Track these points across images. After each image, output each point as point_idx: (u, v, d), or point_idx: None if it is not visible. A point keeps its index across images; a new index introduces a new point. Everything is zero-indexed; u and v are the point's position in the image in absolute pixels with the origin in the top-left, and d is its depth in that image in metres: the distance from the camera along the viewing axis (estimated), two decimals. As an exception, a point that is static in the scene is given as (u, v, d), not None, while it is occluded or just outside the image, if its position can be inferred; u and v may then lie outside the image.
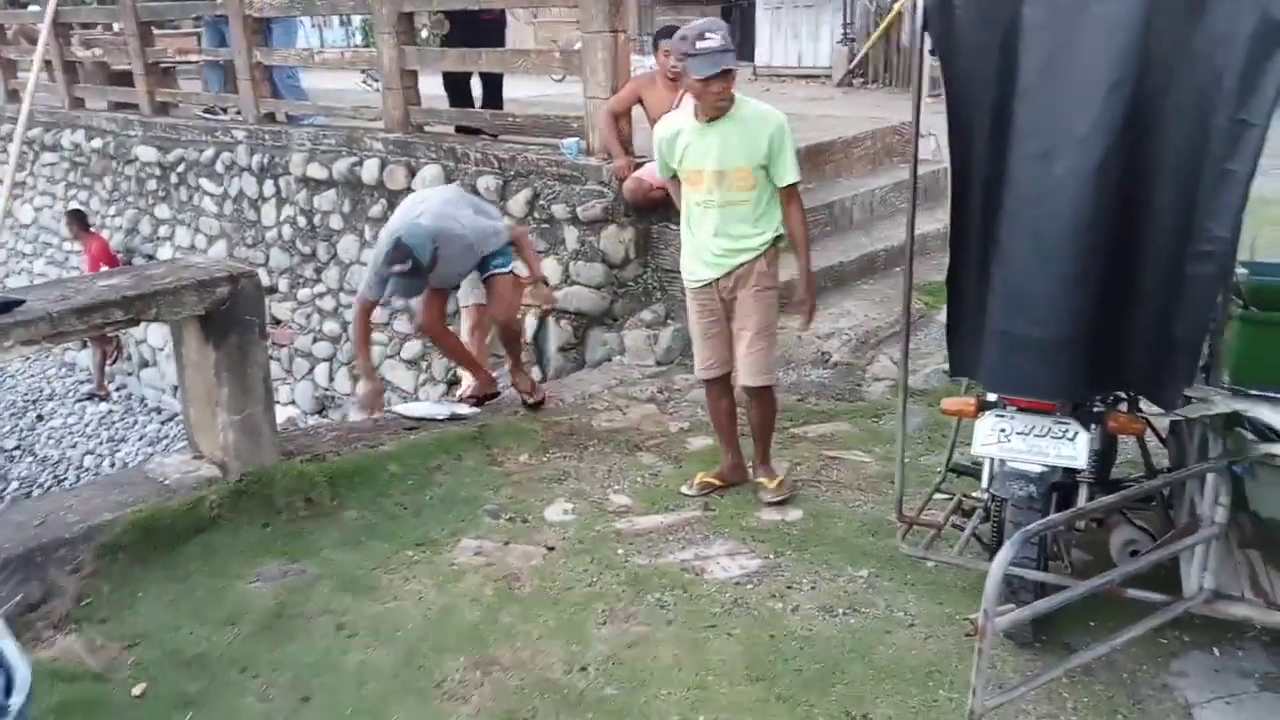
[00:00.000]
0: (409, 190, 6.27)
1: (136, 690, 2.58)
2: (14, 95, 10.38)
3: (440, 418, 4.35)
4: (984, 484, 2.58)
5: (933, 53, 2.22)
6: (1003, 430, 2.39)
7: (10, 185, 9.95)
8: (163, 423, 8.29)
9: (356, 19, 18.86)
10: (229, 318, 3.41)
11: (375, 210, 6.52)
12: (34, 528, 3.24)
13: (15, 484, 7.69)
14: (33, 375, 9.47)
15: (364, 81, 13.11)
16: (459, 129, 6.55)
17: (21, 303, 3.11)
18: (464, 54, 6.28)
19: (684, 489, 3.62)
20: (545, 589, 3.05)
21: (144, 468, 3.69)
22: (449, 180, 6.07)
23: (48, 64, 9.59)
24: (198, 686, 2.61)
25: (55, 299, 3.15)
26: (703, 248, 3.40)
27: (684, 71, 3.24)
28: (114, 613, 2.98)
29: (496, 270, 4.24)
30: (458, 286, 4.65)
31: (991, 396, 2.48)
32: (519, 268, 4.46)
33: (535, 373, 5.31)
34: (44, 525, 3.26)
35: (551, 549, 3.28)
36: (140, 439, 8.05)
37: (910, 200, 2.67)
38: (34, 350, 3.15)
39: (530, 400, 4.45)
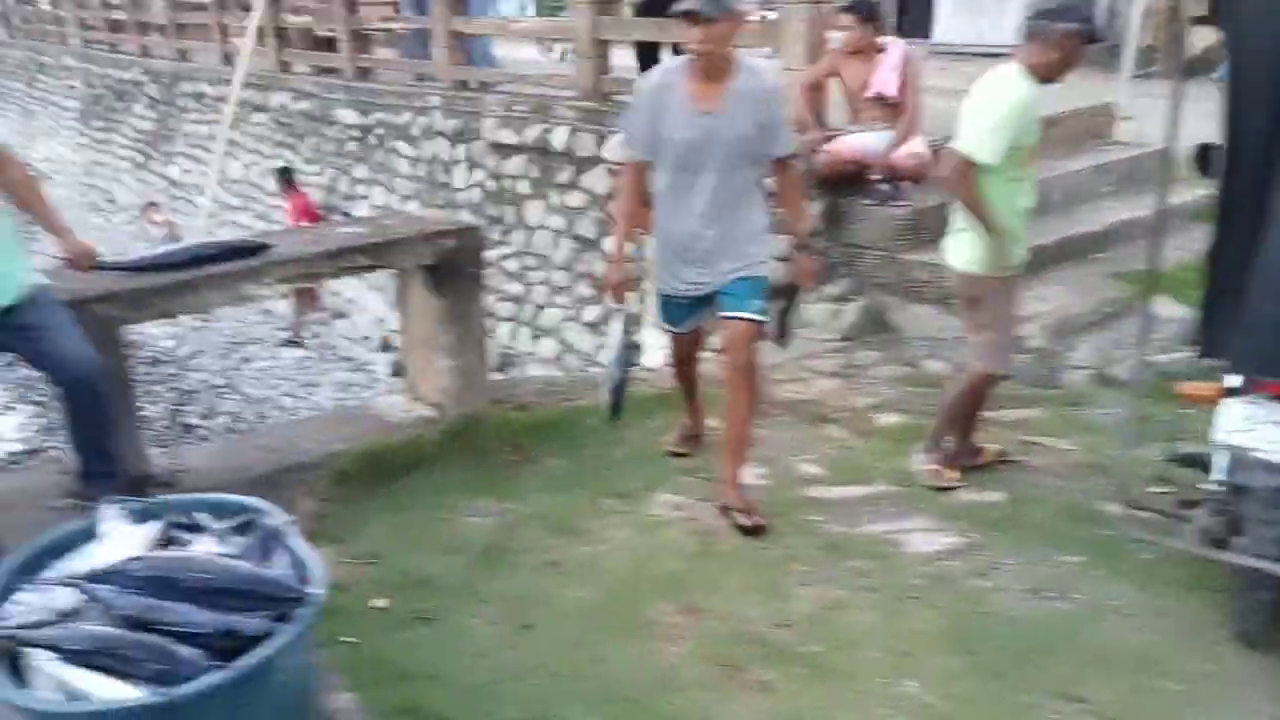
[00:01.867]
0: (597, 158, 6.46)
1: (381, 602, 2.82)
2: (228, 59, 11.22)
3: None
4: (1219, 474, 2.49)
5: (1210, 22, 2.14)
6: (1252, 418, 2.29)
7: (225, 143, 10.79)
8: (351, 370, 8.86)
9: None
10: (454, 269, 3.64)
11: (563, 177, 6.74)
12: (279, 453, 3.58)
13: (224, 418, 8.40)
14: (238, 320, 10.26)
15: (540, 52, 13.44)
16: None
17: (270, 247, 3.41)
18: (658, 24, 6.38)
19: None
20: (742, 547, 3.14)
21: (368, 406, 3.99)
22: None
23: (260, 30, 10.32)
24: (430, 605, 2.84)
25: (306, 243, 3.44)
26: (1019, 229, 3.18)
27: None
28: (348, 533, 3.25)
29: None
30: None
31: (1236, 382, 2.38)
32: None
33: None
34: (286, 452, 3.59)
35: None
36: (333, 385, 8.63)
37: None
38: (286, 289, 3.45)
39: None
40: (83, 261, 2.99)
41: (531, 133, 6.90)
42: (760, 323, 3.21)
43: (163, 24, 12.88)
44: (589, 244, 6.64)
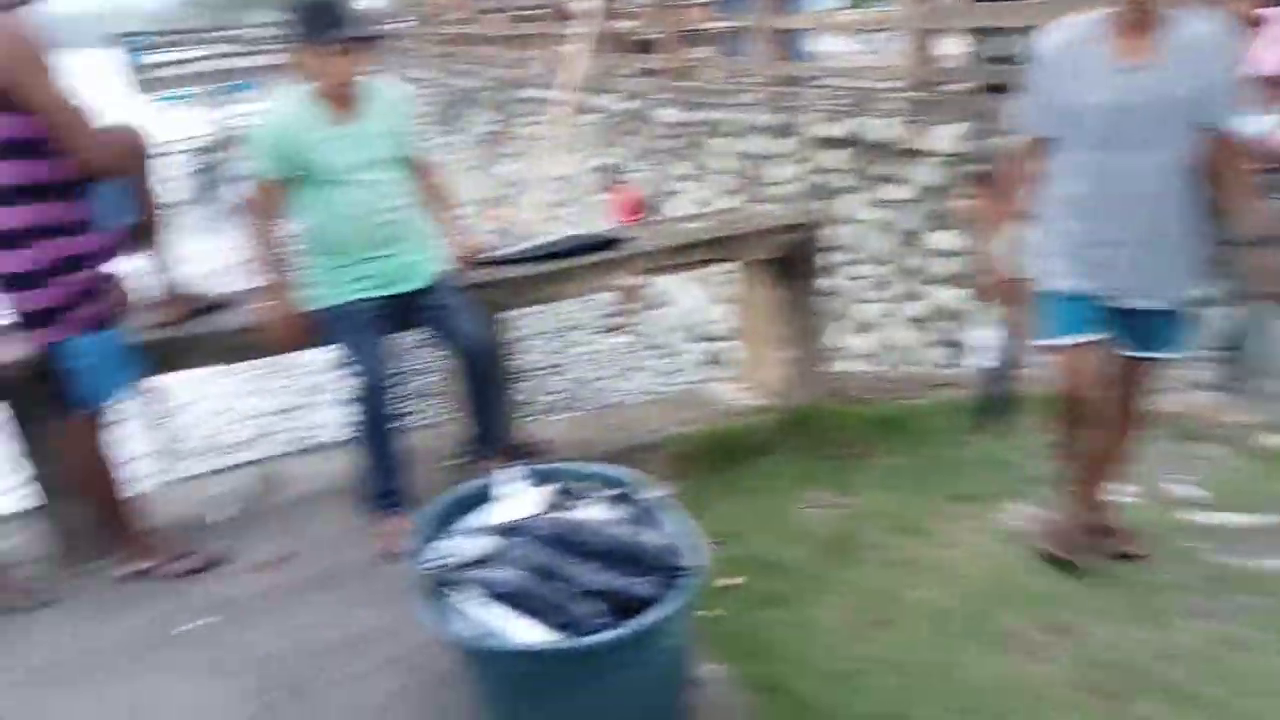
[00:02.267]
0: (922, 150, 6.24)
1: (735, 580, 2.92)
2: (561, 65, 12.06)
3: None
4: None
5: None
6: None
7: (556, 143, 11.62)
8: (668, 357, 9.25)
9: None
10: (795, 262, 3.67)
11: (885, 170, 6.58)
12: (623, 431, 3.80)
13: (551, 396, 9.09)
14: (564, 305, 11.04)
15: (860, 43, 13.17)
16: (989, 87, 6.34)
17: (622, 241, 3.60)
18: (995, 9, 6.05)
19: None
20: (1112, 568, 2.90)
21: (702, 392, 4.13)
22: (972, 138, 5.93)
23: (589, 36, 11.01)
24: (781, 589, 2.89)
25: (655, 237, 3.62)
26: None
27: None
28: (693, 513, 3.37)
29: None
30: None
31: None
32: None
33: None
34: (629, 431, 3.81)
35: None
36: (650, 371, 9.07)
37: None
38: (640, 280, 3.66)
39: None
40: (471, 255, 3.35)
41: (853, 126, 6.80)
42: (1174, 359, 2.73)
43: (504, 34, 14.12)
44: (911, 238, 6.45)
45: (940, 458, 3.67)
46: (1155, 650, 2.51)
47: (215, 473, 3.87)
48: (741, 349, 4.15)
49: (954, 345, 6.01)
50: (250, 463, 3.83)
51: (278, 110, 2.89)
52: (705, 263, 3.75)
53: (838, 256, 7.11)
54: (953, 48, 6.91)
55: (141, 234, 2.89)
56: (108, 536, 2.86)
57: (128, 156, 2.74)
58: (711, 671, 2.31)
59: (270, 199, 2.85)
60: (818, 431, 3.77)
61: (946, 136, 6.05)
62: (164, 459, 8.43)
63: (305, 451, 3.93)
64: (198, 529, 3.11)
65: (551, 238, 3.65)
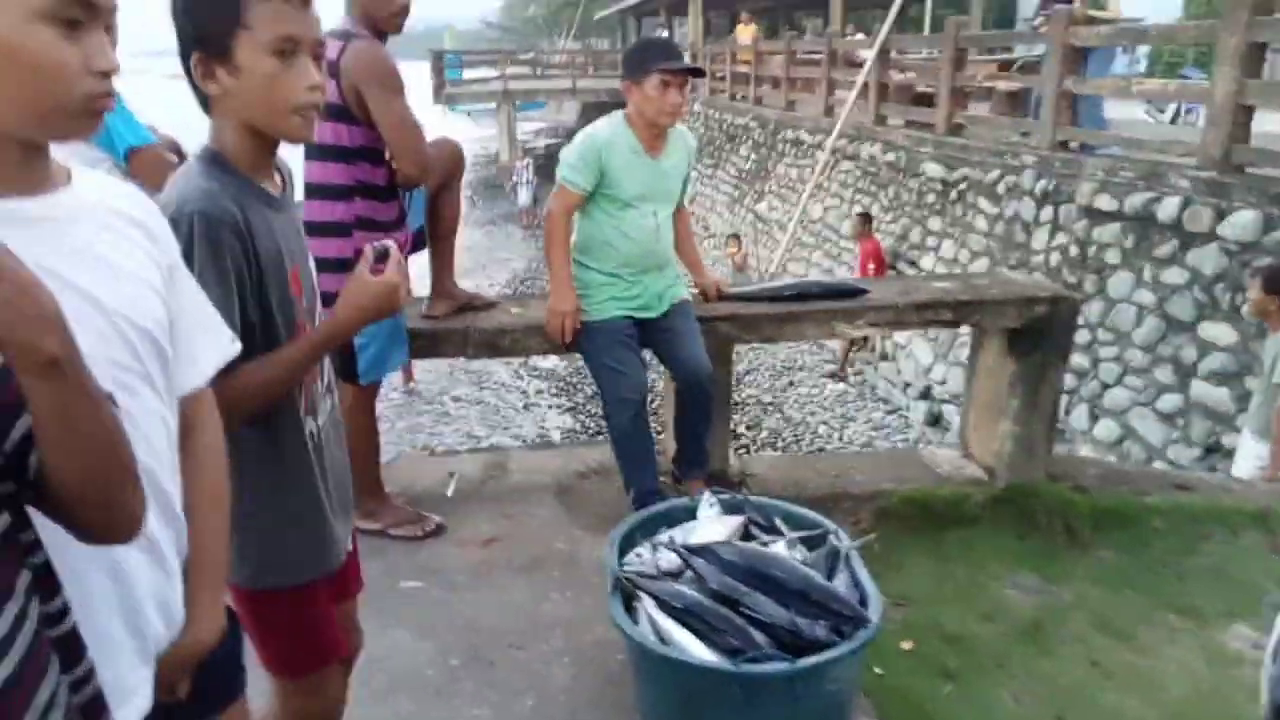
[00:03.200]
0: (1211, 234, 5.79)
1: (906, 645, 2.90)
2: (829, 110, 12.16)
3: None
4: None
5: None
6: None
7: (812, 187, 11.71)
8: (887, 413, 9.05)
9: (1142, 48, 17.90)
10: (1038, 335, 3.56)
11: (1163, 250, 6.16)
12: (831, 478, 3.83)
13: (765, 432, 9.16)
14: (791, 347, 11.10)
15: (1146, 112, 12.35)
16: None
17: (866, 292, 3.64)
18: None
19: None
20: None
21: (918, 453, 4.08)
22: (1268, 232, 5.43)
23: (865, 85, 11.01)
24: (957, 664, 2.83)
25: (898, 292, 3.63)
26: None
27: None
28: (884, 570, 3.32)
29: None
30: None
31: None
32: None
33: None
34: (838, 478, 3.83)
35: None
36: (866, 423, 8.92)
37: None
38: (874, 331, 3.67)
39: None
40: (712, 291, 3.52)
41: (1135, 200, 6.41)
42: None
43: (776, 76, 14.39)
44: (1180, 326, 5.98)
45: (1165, 562, 3.43)
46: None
47: (451, 453, 4.28)
48: (966, 415, 4.07)
49: (1208, 449, 5.52)
50: (483, 449, 4.21)
51: (602, 129, 3.14)
52: (947, 324, 3.71)
53: (1093, 335, 6.72)
54: (1272, 125, 6.36)
55: (437, 236, 3.29)
56: (356, 494, 3.27)
57: (450, 167, 3.15)
58: (870, 726, 2.32)
59: (573, 206, 3.12)
60: (1033, 513, 3.62)
61: (1240, 223, 5.59)
62: (413, 433, 9.32)
63: (531, 447, 4.26)
64: (430, 499, 3.48)
65: (795, 280, 3.76)
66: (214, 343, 1.28)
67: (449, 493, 3.56)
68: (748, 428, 9.69)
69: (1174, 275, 6.08)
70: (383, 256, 1.61)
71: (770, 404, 10.00)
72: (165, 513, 1.15)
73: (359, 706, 2.39)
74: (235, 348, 1.32)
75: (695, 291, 3.53)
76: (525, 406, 10.17)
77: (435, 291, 3.40)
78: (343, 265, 2.89)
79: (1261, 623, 3.06)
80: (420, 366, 10.56)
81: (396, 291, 1.59)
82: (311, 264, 1.65)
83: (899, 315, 3.50)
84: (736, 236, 13.25)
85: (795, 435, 9.23)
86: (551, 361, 11.00)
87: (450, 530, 3.25)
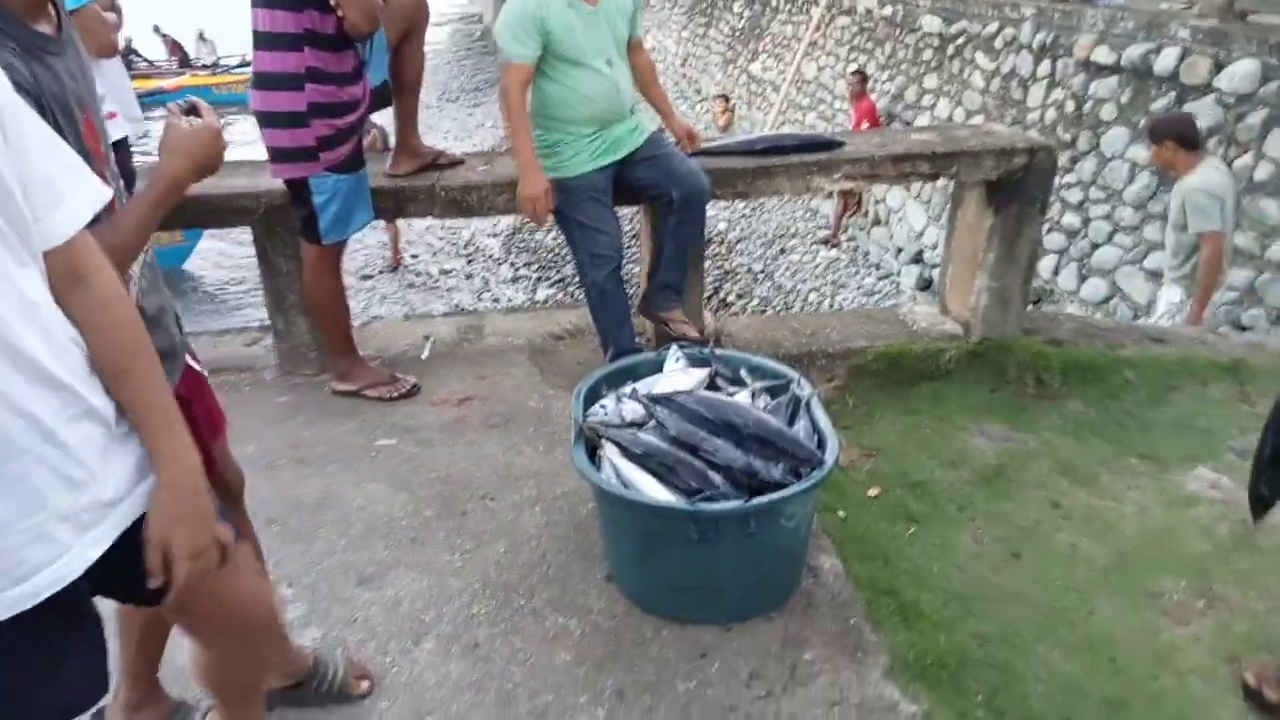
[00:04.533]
0: (1208, 86, 5.63)
1: (872, 492, 2.97)
2: (826, -37, 11.62)
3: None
4: None
5: None
6: None
7: (807, 45, 11.32)
8: (879, 278, 9.03)
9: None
10: (1016, 187, 3.50)
11: (1159, 104, 6.00)
12: (806, 336, 3.84)
13: (756, 301, 9.16)
14: (784, 213, 10.97)
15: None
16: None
17: (842, 144, 3.57)
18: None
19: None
20: (1288, 549, 2.71)
21: (895, 310, 4.08)
22: (1265, 83, 5.28)
23: (862, -66, 10.49)
24: (920, 508, 2.91)
25: (875, 144, 3.56)
26: None
27: None
28: (855, 424, 3.42)
29: None
30: None
31: None
32: None
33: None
34: (813, 337, 3.84)
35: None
36: (858, 289, 8.90)
37: None
38: (850, 185, 3.60)
39: None
40: (684, 140, 3.44)
41: (1133, 53, 6.22)
42: None
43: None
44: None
45: (1133, 413, 3.49)
46: (1314, 641, 2.35)
47: (427, 316, 4.28)
48: (945, 272, 4.05)
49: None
50: (455, 312, 4.20)
51: None
52: (926, 176, 3.64)
53: (1085, 194, 6.62)
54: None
55: (401, 91, 3.20)
56: (329, 356, 3.29)
57: (411, 16, 3.02)
58: (831, 565, 2.40)
59: (525, 79, 2.99)
60: (1005, 366, 3.66)
61: (1238, 74, 5.43)
62: (386, 296, 9.31)
63: (506, 310, 4.26)
64: (405, 363, 3.50)
65: (771, 132, 3.68)
66: (81, 185, 1.18)
67: (424, 355, 3.58)
68: (738, 296, 9.69)
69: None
70: (190, 110, 1.51)
71: (761, 272, 9.97)
72: (36, 377, 1.09)
73: (337, 553, 2.48)
74: (106, 193, 1.23)
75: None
76: (514, 279, 10.14)
77: (399, 148, 3.33)
78: (294, 120, 2.82)
79: (1222, 465, 3.15)
80: (407, 248, 10.48)
81: (219, 137, 1.49)
82: (102, 111, 1.49)
83: (875, 168, 3.44)
84: (724, 97, 12.91)
85: (786, 303, 9.24)
86: (540, 235, 10.90)
87: (425, 391, 3.29)
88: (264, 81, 2.83)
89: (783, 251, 10.19)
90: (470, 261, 10.66)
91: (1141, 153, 6.12)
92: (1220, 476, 3.06)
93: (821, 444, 2.24)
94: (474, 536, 2.53)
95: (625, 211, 3.49)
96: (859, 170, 3.44)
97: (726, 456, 2.18)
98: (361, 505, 2.68)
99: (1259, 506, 2.20)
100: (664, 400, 2.34)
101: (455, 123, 18.86)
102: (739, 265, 10.30)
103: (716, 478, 2.16)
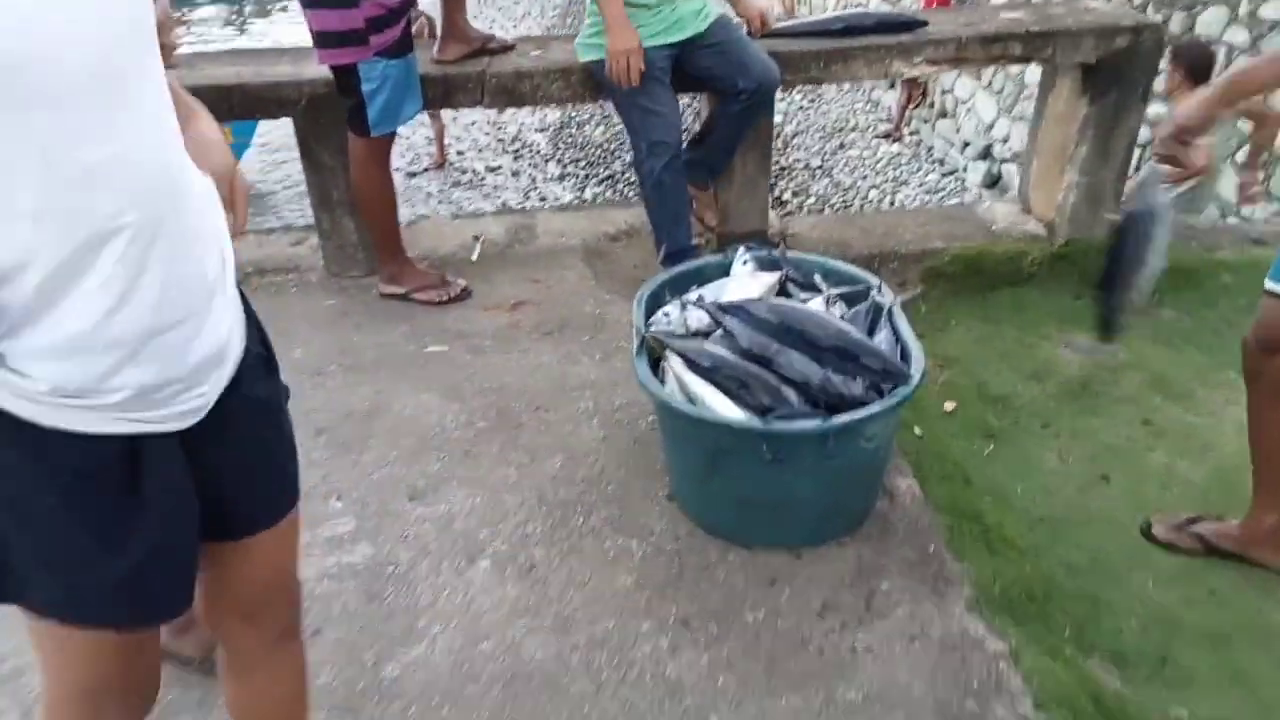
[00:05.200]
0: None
1: (948, 406, 2.79)
2: None
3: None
4: None
5: None
6: None
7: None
8: (943, 175, 8.60)
9: None
10: (1117, 72, 3.18)
11: (1265, -20, 5.47)
12: (877, 236, 3.61)
13: (813, 198, 8.81)
14: (843, 105, 10.47)
15: None
16: None
17: (924, 24, 3.26)
18: None
19: None
20: None
21: (973, 208, 3.81)
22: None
23: None
24: (1001, 424, 2.73)
25: (962, 24, 3.24)
26: None
27: None
28: (930, 332, 3.20)
29: None
30: None
31: None
32: None
33: None
34: (884, 237, 3.61)
35: None
36: (920, 186, 8.49)
37: None
38: (934, 70, 3.30)
39: None
40: (755, 23, 3.17)
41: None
42: None
43: None
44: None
45: (1231, 321, 3.22)
46: None
47: (476, 215, 4.10)
48: (1028, 168, 3.75)
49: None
50: (506, 211, 4.02)
51: None
52: (1017, 59, 3.31)
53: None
54: None
55: None
56: (376, 255, 3.15)
57: None
58: (909, 486, 2.25)
59: None
60: (1094, 270, 3.39)
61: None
62: (431, 195, 9.10)
63: (558, 209, 4.06)
64: (454, 264, 3.35)
65: (846, 12, 3.38)
66: None
67: (474, 257, 3.42)
68: (794, 194, 9.33)
69: (1274, 10, 5.43)
70: None
71: (819, 168, 9.56)
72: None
73: (388, 466, 2.38)
74: None
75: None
76: (561, 177, 9.87)
77: (446, 32, 3.11)
78: (341, 1, 2.62)
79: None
80: (452, 144, 10.20)
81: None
82: None
83: (962, 50, 3.13)
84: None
85: (844, 201, 8.87)
86: (589, 131, 10.55)
87: (475, 295, 3.14)
88: None
89: (841, 146, 9.75)
90: (517, 158, 10.37)
91: (1241, 34, 5.63)
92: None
93: (905, 356, 2.06)
94: (529, 450, 2.41)
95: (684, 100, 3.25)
96: (943, 53, 3.14)
97: (802, 370, 2.01)
98: (413, 415, 2.57)
99: (1105, 327, 2.27)
100: (733, 309, 2.15)
101: (501, 11, 18.24)
102: (795, 161, 9.88)
103: (791, 394, 1.99)
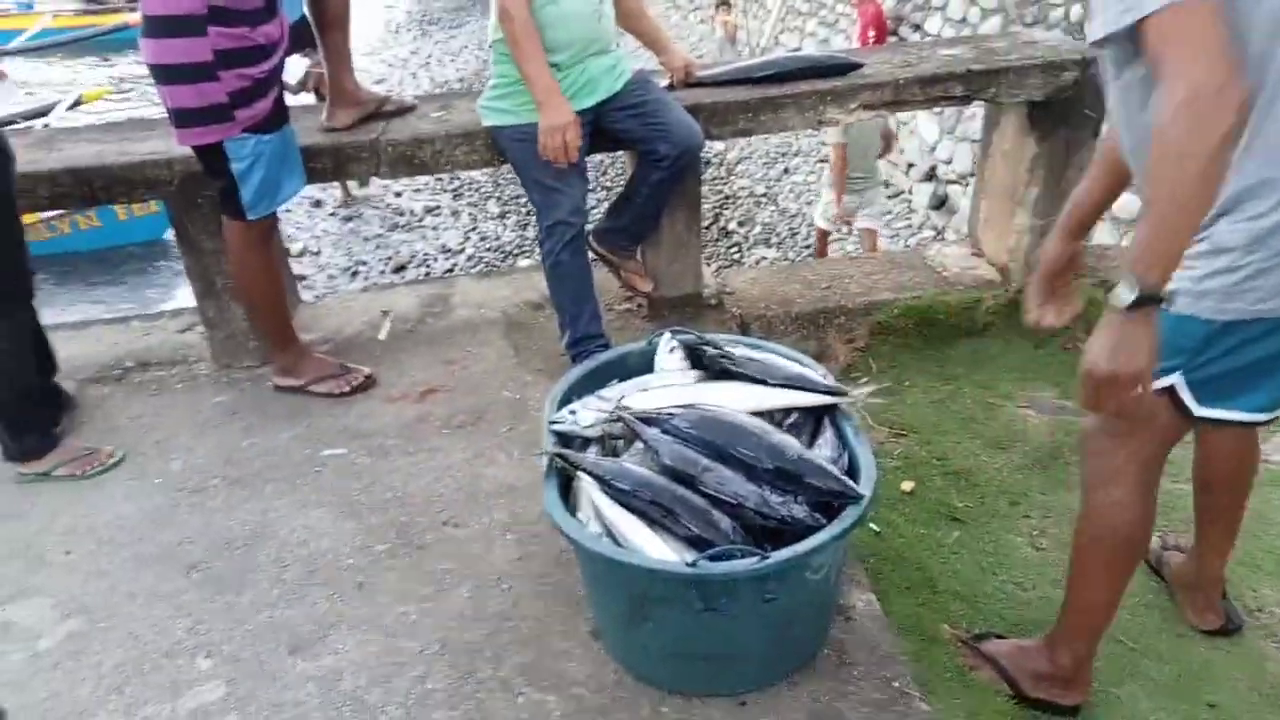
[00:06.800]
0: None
1: (906, 486, 2.53)
2: None
3: None
4: None
5: None
6: None
7: (804, -57, 10.48)
8: (889, 197, 8.42)
9: None
10: (1065, 109, 2.96)
11: None
12: (821, 290, 3.35)
13: (758, 228, 8.60)
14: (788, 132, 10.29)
15: None
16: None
17: (861, 66, 3.02)
18: None
19: None
20: None
21: (923, 254, 3.57)
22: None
23: None
24: (965, 504, 2.47)
25: (898, 65, 3.00)
26: None
27: None
28: (882, 395, 2.94)
29: None
30: None
31: None
32: None
33: None
34: (829, 290, 3.35)
35: None
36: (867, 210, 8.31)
37: None
38: (870, 115, 3.05)
39: None
40: (681, 74, 2.92)
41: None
42: None
43: None
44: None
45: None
46: None
47: (382, 288, 3.80)
48: (976, 208, 3.53)
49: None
50: (421, 280, 3.71)
51: None
52: (959, 100, 3.09)
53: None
54: None
55: (325, 27, 2.67)
56: (267, 346, 2.83)
57: None
58: (865, 603, 1.97)
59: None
60: (1051, 318, 3.17)
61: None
62: (331, 270, 8.68)
63: (480, 275, 3.76)
64: (360, 346, 3.03)
65: (775, 57, 3.13)
66: None
67: (382, 335, 3.10)
68: (739, 224, 9.14)
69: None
70: None
71: (764, 195, 9.37)
72: None
73: (268, 609, 2.05)
74: None
75: (665, 80, 2.93)
76: (502, 215, 9.57)
77: (334, 97, 2.80)
78: (199, 73, 2.30)
79: (1314, 433, 2.69)
80: (390, 185, 9.84)
81: None
82: None
83: (899, 93, 2.89)
84: (726, 3, 12.08)
85: (790, 229, 8.67)
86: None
87: (380, 383, 2.83)
88: (157, 27, 2.29)
89: (786, 171, 9.57)
90: (457, 197, 10.07)
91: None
92: (1316, 447, 2.61)
93: (854, 467, 1.78)
94: (433, 579, 2.10)
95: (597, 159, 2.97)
96: (879, 97, 2.90)
97: (735, 490, 1.72)
98: (301, 539, 2.24)
99: None
100: (654, 420, 1.86)
101: (438, 46, 17.97)
102: (740, 189, 9.69)
103: (723, 520, 1.70)
